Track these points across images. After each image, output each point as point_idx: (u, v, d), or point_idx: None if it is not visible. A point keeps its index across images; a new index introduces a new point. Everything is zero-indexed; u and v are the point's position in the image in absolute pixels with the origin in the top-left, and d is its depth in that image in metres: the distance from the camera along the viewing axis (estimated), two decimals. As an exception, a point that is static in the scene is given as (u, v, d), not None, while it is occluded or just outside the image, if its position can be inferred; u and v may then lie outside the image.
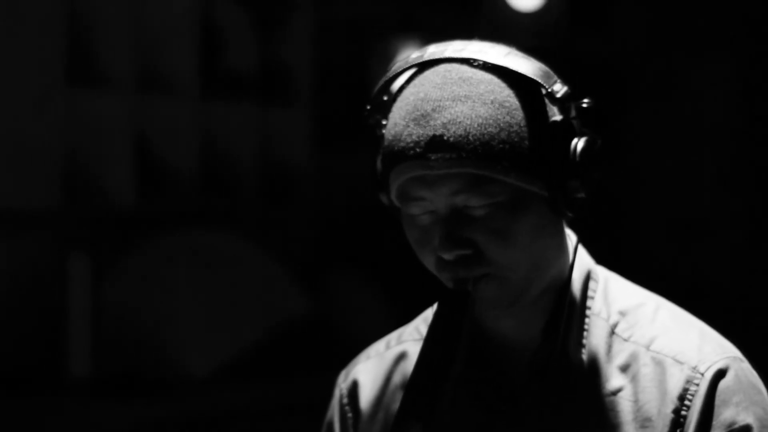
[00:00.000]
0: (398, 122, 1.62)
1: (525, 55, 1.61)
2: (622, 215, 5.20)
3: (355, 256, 4.67)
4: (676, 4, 5.15)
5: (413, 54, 1.68)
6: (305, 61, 4.64)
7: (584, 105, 1.63)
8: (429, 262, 1.65)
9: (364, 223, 4.39)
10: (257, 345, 3.98)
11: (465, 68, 1.62)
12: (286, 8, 4.59)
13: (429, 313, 1.77)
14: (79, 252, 3.93)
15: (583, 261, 1.73)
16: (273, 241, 4.47)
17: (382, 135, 1.66)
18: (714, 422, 1.61)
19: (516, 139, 1.59)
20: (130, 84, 4.08)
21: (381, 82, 1.67)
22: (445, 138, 1.57)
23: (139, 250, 4.04)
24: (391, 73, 1.66)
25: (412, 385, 1.59)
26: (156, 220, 4.21)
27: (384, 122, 1.67)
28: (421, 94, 1.62)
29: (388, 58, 4.48)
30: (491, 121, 1.58)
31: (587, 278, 1.73)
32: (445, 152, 1.57)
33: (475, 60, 1.61)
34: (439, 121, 1.58)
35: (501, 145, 1.58)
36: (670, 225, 5.26)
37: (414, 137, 1.58)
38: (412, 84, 1.66)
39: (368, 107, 1.69)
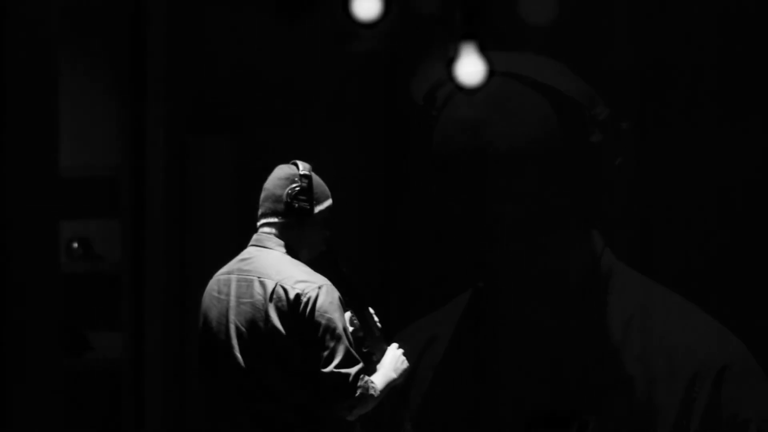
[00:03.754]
0: (448, 126, 1.71)
1: (575, 76, 1.72)
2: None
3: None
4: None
5: (470, 59, 1.76)
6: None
7: (623, 127, 1.75)
8: None
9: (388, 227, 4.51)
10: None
11: (516, 84, 1.72)
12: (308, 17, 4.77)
13: (460, 299, 1.86)
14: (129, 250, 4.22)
15: (606, 258, 1.84)
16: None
17: (436, 116, 1.74)
18: (719, 413, 1.73)
19: (556, 157, 1.69)
20: (170, 98, 4.33)
21: (436, 78, 1.73)
22: (490, 151, 1.65)
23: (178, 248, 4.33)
24: (447, 75, 1.75)
25: (443, 359, 1.69)
26: (191, 222, 4.44)
27: (436, 104, 1.73)
28: (472, 106, 1.71)
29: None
30: (534, 138, 1.68)
31: (609, 274, 1.82)
32: (489, 164, 1.67)
33: (526, 77, 1.71)
34: (486, 134, 1.66)
35: (542, 162, 1.68)
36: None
37: (461, 146, 1.67)
38: (464, 92, 1.73)
39: (422, 101, 1.78)
